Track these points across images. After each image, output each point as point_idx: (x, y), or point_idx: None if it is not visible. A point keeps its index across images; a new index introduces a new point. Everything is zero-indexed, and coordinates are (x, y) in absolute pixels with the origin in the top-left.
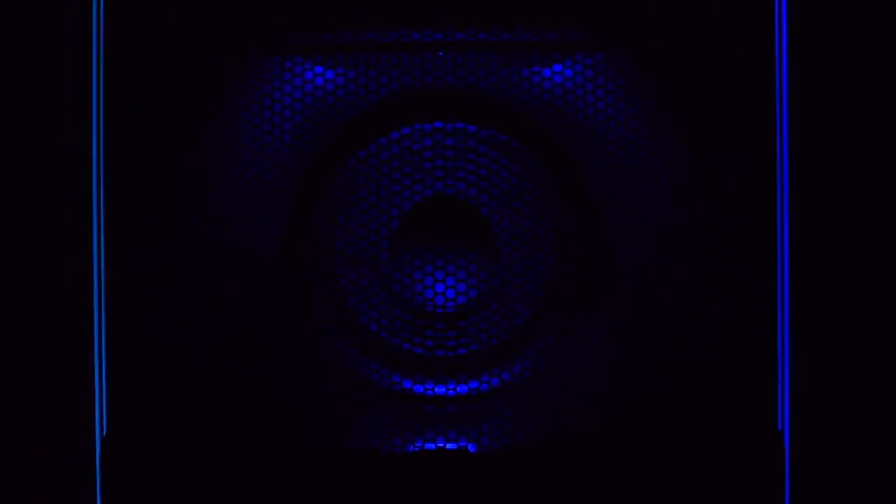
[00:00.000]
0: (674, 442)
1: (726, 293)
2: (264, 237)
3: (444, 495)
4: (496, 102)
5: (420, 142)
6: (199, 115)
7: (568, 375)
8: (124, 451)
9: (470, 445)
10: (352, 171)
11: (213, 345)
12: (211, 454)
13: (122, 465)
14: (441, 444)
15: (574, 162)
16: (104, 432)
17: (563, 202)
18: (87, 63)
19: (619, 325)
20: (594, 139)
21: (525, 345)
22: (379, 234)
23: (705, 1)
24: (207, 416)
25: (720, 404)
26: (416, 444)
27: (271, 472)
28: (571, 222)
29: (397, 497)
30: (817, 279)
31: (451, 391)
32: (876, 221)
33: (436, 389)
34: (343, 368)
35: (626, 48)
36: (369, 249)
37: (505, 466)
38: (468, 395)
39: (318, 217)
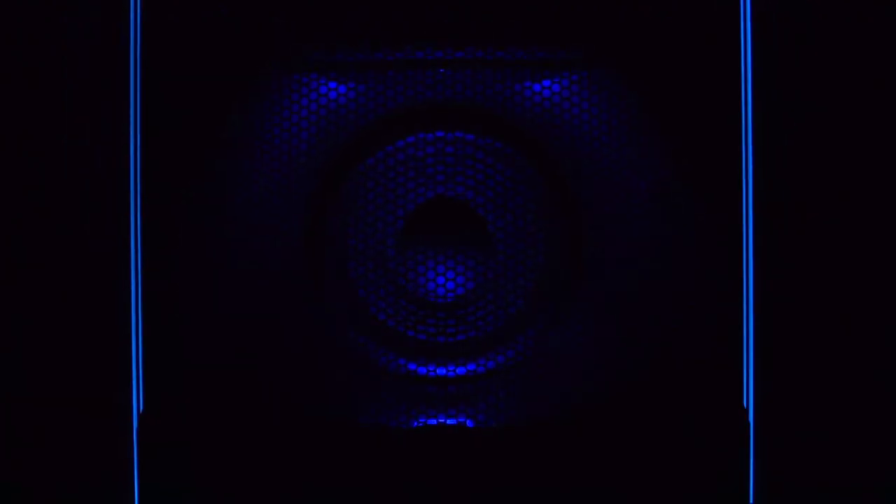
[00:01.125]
0: (648, 418)
1: (698, 284)
2: (284, 236)
3: (444, 467)
4: (492, 114)
5: (423, 149)
6: (225, 125)
7: (556, 359)
8: (159, 428)
9: (468, 422)
10: (362, 176)
11: (237, 330)
12: (235, 429)
13: (157, 441)
14: (441, 421)
15: (562, 166)
16: (141, 410)
17: (552, 203)
18: (116, 74)
19: (602, 313)
20: (581, 147)
21: (517, 332)
22: (386, 232)
23: (681, 25)
24: (232, 395)
25: (690, 383)
26: (420, 421)
27: (289, 445)
28: (560, 221)
29: (402, 467)
30: (780, 269)
31: (450, 373)
32: (833, 218)
33: (437, 371)
34: (354, 352)
35: (610, 66)
36: (378, 246)
37: (499, 441)
38: (466, 377)
39: (332, 218)
